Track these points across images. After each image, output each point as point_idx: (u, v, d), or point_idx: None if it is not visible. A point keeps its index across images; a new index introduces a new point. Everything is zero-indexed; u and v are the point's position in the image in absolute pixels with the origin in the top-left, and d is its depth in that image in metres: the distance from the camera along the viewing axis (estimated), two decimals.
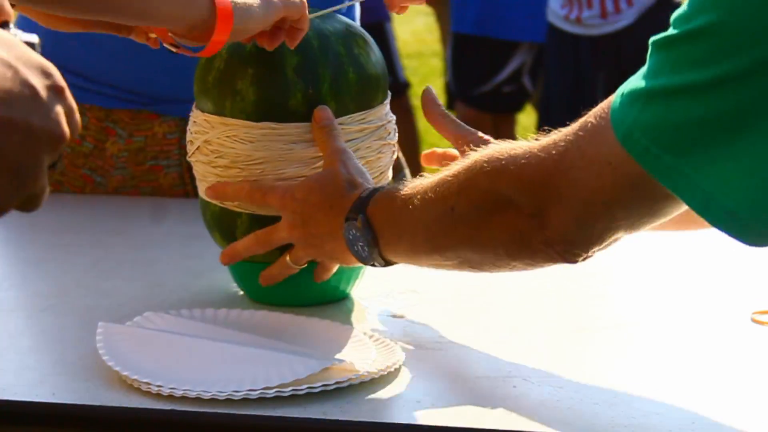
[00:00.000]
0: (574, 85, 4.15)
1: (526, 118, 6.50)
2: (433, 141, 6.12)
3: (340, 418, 1.30)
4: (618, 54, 4.06)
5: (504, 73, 4.77)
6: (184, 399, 1.33)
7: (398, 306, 1.62)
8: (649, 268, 1.78)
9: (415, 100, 6.94)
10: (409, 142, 5.24)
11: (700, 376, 1.41)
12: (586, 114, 1.23)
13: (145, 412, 1.32)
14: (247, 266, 1.59)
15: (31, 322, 1.59)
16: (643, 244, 1.88)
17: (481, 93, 4.86)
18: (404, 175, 1.74)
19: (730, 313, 1.60)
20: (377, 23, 5.13)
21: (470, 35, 4.72)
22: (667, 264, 1.79)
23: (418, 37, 8.20)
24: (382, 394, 1.36)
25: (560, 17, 4.11)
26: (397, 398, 1.35)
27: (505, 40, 4.62)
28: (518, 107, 5.04)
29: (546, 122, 4.31)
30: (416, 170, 5.72)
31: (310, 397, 1.34)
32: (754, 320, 1.56)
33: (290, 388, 1.33)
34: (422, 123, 5.30)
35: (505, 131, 5.03)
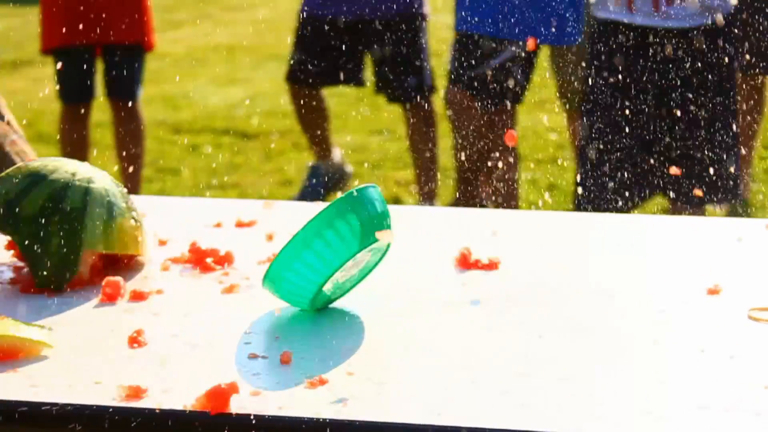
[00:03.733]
0: (621, 81, 4.11)
1: (526, 117, 6.49)
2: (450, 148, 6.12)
3: (334, 417, 1.30)
4: (668, 54, 4.02)
5: (497, 60, 4.68)
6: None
7: (398, 306, 1.61)
8: (647, 264, 1.78)
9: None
10: (428, 147, 5.19)
11: (698, 372, 1.40)
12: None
13: (143, 412, 1.32)
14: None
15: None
16: (640, 241, 1.88)
17: (475, 76, 4.76)
18: None
19: (727, 309, 1.59)
20: (411, 15, 4.96)
21: (469, 33, 4.69)
22: (665, 261, 1.79)
23: None
24: (382, 394, 1.36)
25: (609, 2, 4.05)
26: (397, 398, 1.35)
27: (497, 38, 4.59)
28: (514, 99, 4.94)
29: (592, 122, 4.28)
30: (432, 173, 5.64)
31: (311, 396, 1.34)
32: (750, 317, 1.56)
33: None
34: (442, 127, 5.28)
35: (504, 125, 4.95)
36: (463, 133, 4.87)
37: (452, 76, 4.79)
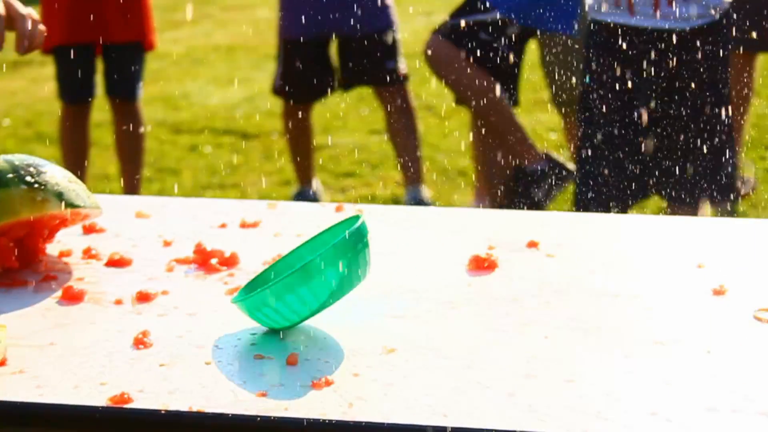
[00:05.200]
0: (619, 83, 4.10)
1: (526, 117, 6.50)
2: (433, 140, 6.12)
3: (340, 419, 1.30)
4: (667, 55, 4.02)
5: (479, 15, 4.65)
6: (183, 400, 1.32)
7: (398, 306, 1.62)
8: (651, 265, 1.78)
9: (416, 100, 6.93)
10: (409, 134, 5.25)
11: (704, 373, 1.40)
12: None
13: (149, 413, 1.32)
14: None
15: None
16: (644, 241, 1.88)
17: (455, 25, 4.70)
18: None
19: (733, 310, 1.59)
20: (383, 30, 5.14)
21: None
22: (669, 261, 1.79)
23: (418, 37, 8.19)
24: (388, 395, 1.36)
25: (609, 5, 4.04)
26: (397, 399, 1.35)
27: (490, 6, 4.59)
28: (486, 55, 4.82)
29: (589, 124, 4.26)
30: (415, 160, 5.63)
31: (317, 397, 1.34)
32: (756, 317, 1.56)
33: None
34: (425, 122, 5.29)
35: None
36: (441, 74, 4.84)
37: (437, 28, 4.79)
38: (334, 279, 1.50)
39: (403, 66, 5.21)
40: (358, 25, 5.06)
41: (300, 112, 5.28)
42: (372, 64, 5.14)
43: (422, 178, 5.29)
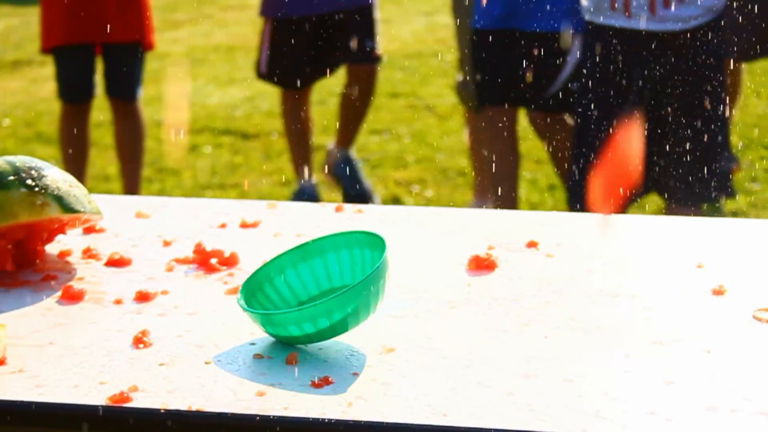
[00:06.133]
0: (615, 85, 4.09)
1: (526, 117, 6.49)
2: (433, 140, 6.12)
3: (340, 418, 1.30)
4: (664, 56, 4.01)
5: (567, 69, 4.55)
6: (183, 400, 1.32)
7: (397, 306, 1.62)
8: (650, 264, 1.78)
9: (413, 100, 6.94)
10: (359, 110, 5.35)
11: (704, 372, 1.41)
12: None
13: (148, 412, 1.33)
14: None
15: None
16: (643, 241, 1.88)
17: (552, 95, 4.57)
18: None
19: (732, 310, 1.59)
20: (363, 7, 5.23)
21: (499, 29, 4.53)
22: (669, 261, 1.79)
23: (418, 37, 8.18)
24: (387, 394, 1.36)
25: (605, 8, 4.04)
26: (397, 398, 1.35)
27: (551, 33, 4.50)
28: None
29: (583, 125, 4.22)
30: (356, 128, 5.71)
31: (316, 397, 1.34)
32: (755, 317, 1.56)
33: None
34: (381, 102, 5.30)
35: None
36: (561, 148, 4.74)
37: (521, 98, 4.63)
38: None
39: (379, 46, 5.32)
40: (340, 3, 5.16)
41: (297, 97, 5.33)
42: (353, 41, 5.24)
43: (353, 144, 5.42)
